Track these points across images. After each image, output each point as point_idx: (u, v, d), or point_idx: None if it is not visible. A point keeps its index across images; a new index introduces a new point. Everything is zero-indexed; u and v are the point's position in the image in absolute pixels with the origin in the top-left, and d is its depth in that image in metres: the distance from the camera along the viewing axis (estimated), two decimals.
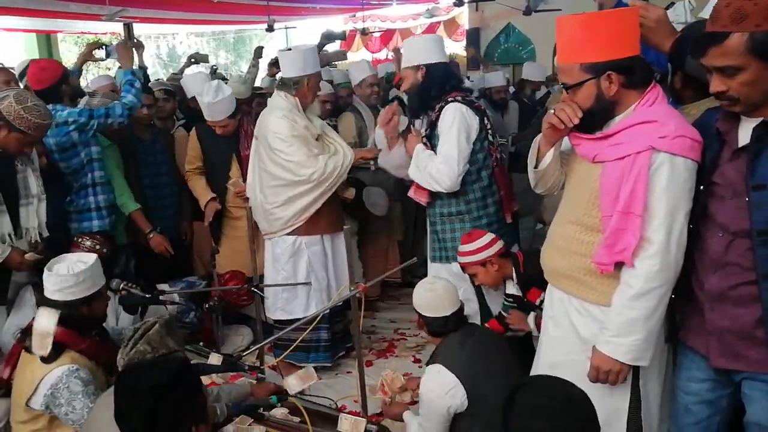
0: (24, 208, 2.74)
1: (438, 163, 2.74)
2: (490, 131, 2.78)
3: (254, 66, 4.79)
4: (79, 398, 2.11)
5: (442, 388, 2.15)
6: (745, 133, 1.59)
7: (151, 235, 3.53)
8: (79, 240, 3.04)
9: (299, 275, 3.24)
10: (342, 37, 5.41)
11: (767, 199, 1.54)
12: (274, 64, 5.18)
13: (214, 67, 6.19)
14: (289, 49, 3.28)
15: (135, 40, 3.85)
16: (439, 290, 2.32)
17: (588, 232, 1.82)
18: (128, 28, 3.69)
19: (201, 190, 3.71)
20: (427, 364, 2.37)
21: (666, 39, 1.75)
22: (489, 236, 2.62)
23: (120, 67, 3.56)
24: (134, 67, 3.56)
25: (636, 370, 1.79)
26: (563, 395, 1.38)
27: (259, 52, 4.87)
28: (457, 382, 2.14)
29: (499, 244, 2.62)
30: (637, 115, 1.72)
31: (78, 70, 3.89)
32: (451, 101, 2.74)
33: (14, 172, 2.71)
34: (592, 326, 1.84)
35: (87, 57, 3.81)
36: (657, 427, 1.90)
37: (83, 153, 3.20)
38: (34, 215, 2.77)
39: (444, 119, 2.73)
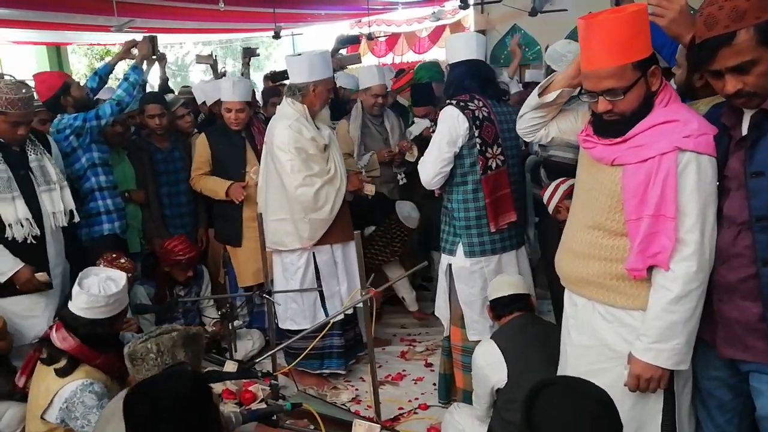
0: (47, 194, 2.80)
1: (422, 162, 2.82)
2: (479, 139, 2.67)
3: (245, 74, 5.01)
4: (94, 412, 2.11)
5: (486, 359, 2.32)
6: (747, 124, 1.60)
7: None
8: (102, 265, 2.92)
9: (306, 285, 3.21)
10: (355, 41, 5.43)
11: (765, 185, 1.55)
12: (270, 78, 5.24)
13: (224, 70, 6.27)
14: (299, 54, 3.22)
15: (158, 53, 3.91)
16: (504, 277, 2.64)
17: (611, 236, 1.79)
18: (152, 40, 3.72)
19: (216, 182, 3.63)
20: None
21: (686, 30, 1.72)
22: (553, 185, 2.80)
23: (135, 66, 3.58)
24: (143, 66, 3.62)
25: (671, 371, 1.75)
26: (588, 399, 1.35)
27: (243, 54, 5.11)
28: (501, 357, 2.27)
29: (562, 189, 2.75)
30: (655, 116, 1.70)
31: (111, 68, 3.90)
32: (448, 103, 2.72)
33: (25, 159, 2.77)
34: (621, 332, 1.81)
35: (125, 55, 3.81)
36: (687, 424, 1.86)
37: (84, 158, 3.26)
38: (59, 200, 2.82)
39: (438, 120, 2.76)
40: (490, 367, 2.28)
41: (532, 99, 2.07)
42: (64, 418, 2.15)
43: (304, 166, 3.05)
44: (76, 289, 2.21)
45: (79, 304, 2.20)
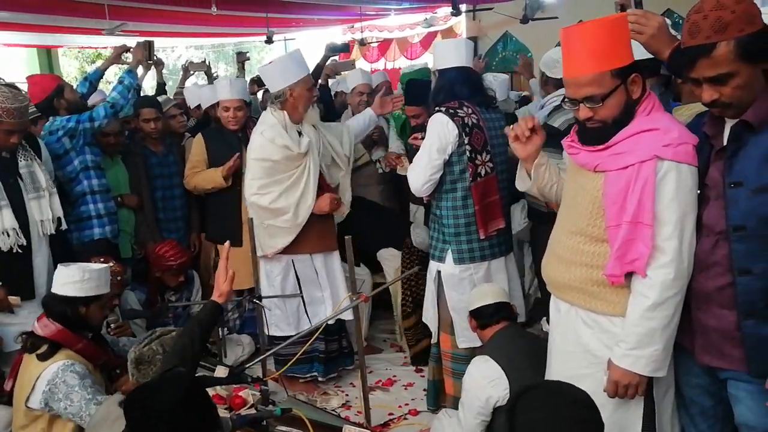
0: (35, 201, 2.76)
1: (411, 169, 2.83)
2: (468, 146, 2.68)
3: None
4: (76, 391, 2.17)
5: (485, 378, 2.24)
6: (728, 134, 1.63)
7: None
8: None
9: (288, 291, 3.22)
10: (345, 48, 5.45)
11: (742, 195, 1.57)
12: (256, 82, 5.25)
13: (216, 74, 6.26)
14: (270, 63, 3.18)
15: (155, 58, 3.92)
16: (485, 286, 2.61)
17: (593, 242, 1.82)
18: (149, 45, 3.71)
19: (210, 171, 3.60)
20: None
21: (665, 46, 1.76)
22: None
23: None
24: (138, 70, 3.61)
25: (650, 378, 1.77)
26: (566, 403, 1.36)
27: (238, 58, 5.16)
28: (501, 373, 2.21)
29: None
30: (637, 124, 1.73)
31: (101, 73, 3.90)
32: (438, 110, 2.73)
33: (15, 166, 2.73)
34: (602, 338, 1.83)
35: (116, 60, 3.81)
36: (669, 429, 1.89)
37: (77, 160, 3.24)
38: (47, 207, 2.78)
39: (428, 128, 2.77)
40: (492, 384, 2.22)
41: (524, 187, 2.14)
42: (47, 401, 2.20)
43: (263, 175, 3.04)
44: (57, 269, 2.35)
45: (58, 281, 2.33)
